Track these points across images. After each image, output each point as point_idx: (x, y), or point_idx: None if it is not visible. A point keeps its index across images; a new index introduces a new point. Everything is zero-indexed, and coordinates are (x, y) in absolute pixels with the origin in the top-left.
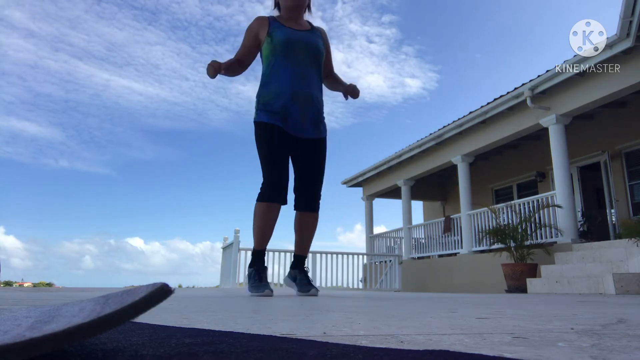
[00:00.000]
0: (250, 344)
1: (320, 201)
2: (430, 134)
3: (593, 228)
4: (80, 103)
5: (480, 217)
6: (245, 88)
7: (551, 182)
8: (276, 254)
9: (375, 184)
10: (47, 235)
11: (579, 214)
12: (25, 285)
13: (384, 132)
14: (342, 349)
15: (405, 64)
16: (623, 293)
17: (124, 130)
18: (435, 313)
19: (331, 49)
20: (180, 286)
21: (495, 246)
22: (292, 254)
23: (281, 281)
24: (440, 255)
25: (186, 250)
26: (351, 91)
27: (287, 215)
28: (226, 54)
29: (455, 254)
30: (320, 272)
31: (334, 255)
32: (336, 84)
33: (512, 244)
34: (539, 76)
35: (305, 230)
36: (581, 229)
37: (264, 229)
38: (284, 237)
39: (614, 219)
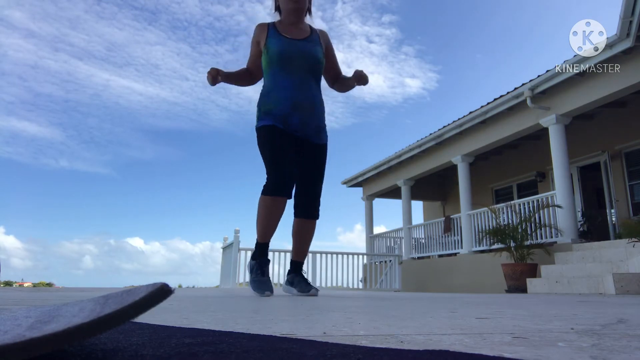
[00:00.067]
0: (251, 344)
1: (320, 208)
2: (430, 134)
3: (593, 228)
4: (80, 103)
5: (480, 217)
6: (245, 88)
7: (551, 182)
8: (276, 253)
9: (375, 184)
10: (47, 235)
11: (579, 214)
12: (25, 285)
13: (384, 132)
14: (342, 349)
15: (405, 64)
16: (623, 293)
17: (124, 130)
18: (435, 313)
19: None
20: (180, 286)
21: (495, 246)
22: (290, 259)
23: (281, 281)
24: (440, 255)
25: (186, 250)
26: (359, 79)
27: (286, 216)
28: (226, 54)
29: (455, 254)
30: (320, 272)
31: (334, 255)
32: (345, 85)
33: (512, 244)
34: (539, 76)
35: (302, 237)
36: (581, 229)
37: (267, 222)
38: (283, 237)
39: (614, 219)
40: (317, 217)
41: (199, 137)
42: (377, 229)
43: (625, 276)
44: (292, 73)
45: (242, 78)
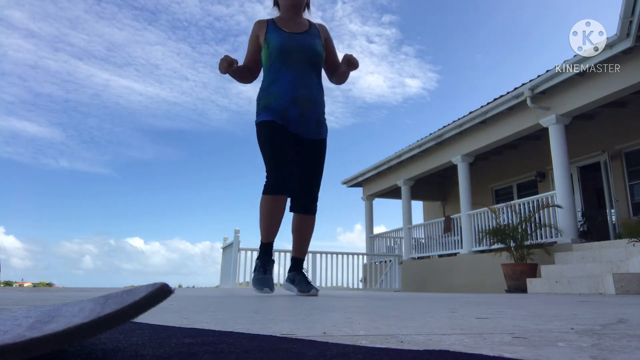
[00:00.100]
0: (251, 344)
1: (318, 204)
2: (430, 134)
3: (593, 228)
4: (80, 103)
5: (480, 217)
6: (245, 88)
7: (551, 182)
8: (275, 253)
9: (375, 184)
10: (47, 235)
11: (579, 214)
12: (25, 285)
13: (384, 132)
14: (342, 349)
15: (405, 64)
16: (623, 293)
17: (124, 130)
18: (435, 313)
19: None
20: (180, 286)
21: (495, 246)
22: (291, 256)
23: (282, 281)
24: (440, 255)
25: (186, 250)
26: (349, 63)
27: (286, 215)
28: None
29: (455, 254)
30: (320, 272)
31: (334, 255)
32: (340, 74)
33: (512, 244)
34: (539, 76)
35: (302, 233)
36: (581, 229)
37: (269, 221)
38: (283, 237)
39: (614, 219)
40: (314, 212)
41: (199, 137)
42: (377, 229)
43: (625, 276)
44: (292, 67)
45: (244, 75)
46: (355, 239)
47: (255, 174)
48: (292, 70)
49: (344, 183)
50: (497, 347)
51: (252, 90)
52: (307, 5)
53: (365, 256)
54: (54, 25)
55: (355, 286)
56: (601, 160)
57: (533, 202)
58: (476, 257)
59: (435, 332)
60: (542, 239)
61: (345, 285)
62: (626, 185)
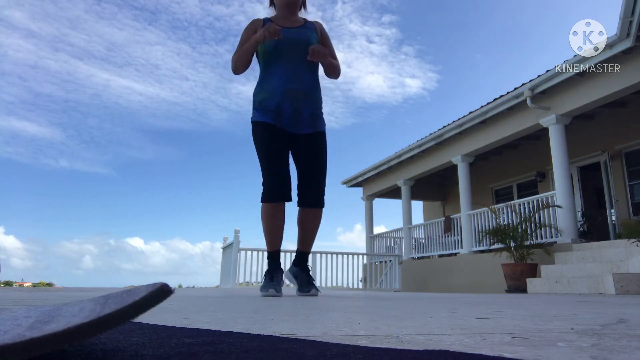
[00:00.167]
0: (251, 344)
1: (325, 197)
2: (430, 134)
3: (593, 228)
4: (80, 103)
5: (480, 217)
6: (245, 88)
7: (551, 182)
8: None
9: (375, 184)
10: (47, 235)
11: (579, 214)
12: (25, 285)
13: (384, 132)
14: (342, 349)
15: (405, 64)
16: (623, 293)
17: (124, 130)
18: (435, 313)
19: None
20: (180, 286)
21: (495, 246)
22: (295, 251)
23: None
24: (440, 255)
25: (186, 250)
26: (313, 54)
27: (290, 213)
28: (226, 54)
29: (455, 254)
30: (320, 272)
31: (334, 255)
32: (327, 69)
33: (512, 244)
34: (539, 76)
35: (307, 226)
36: (581, 229)
37: (271, 229)
38: (284, 237)
39: (614, 219)
40: (322, 206)
41: (199, 137)
42: (377, 229)
43: (625, 276)
44: (286, 61)
45: (249, 59)
46: (355, 239)
47: (255, 174)
48: (285, 65)
49: (344, 183)
50: (497, 347)
51: (252, 90)
52: (304, 5)
53: (365, 256)
54: (54, 25)
55: (355, 286)
56: (601, 160)
57: (533, 202)
58: (476, 257)
59: (435, 332)
60: (542, 239)
61: (345, 285)
62: (626, 185)
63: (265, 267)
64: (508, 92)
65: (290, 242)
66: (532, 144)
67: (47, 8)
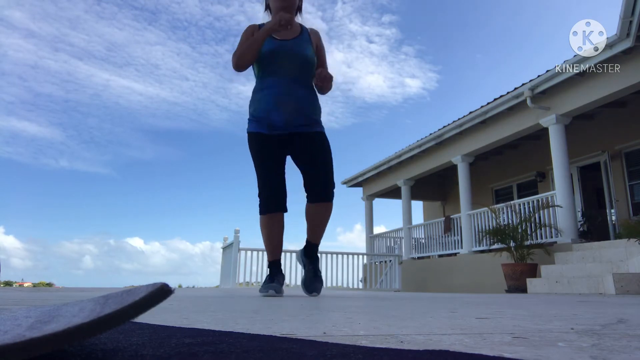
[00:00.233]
0: (251, 344)
1: (335, 190)
2: (430, 134)
3: (593, 228)
4: (80, 103)
5: (480, 217)
6: (245, 88)
7: (551, 182)
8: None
9: (375, 184)
10: (47, 235)
11: (579, 214)
12: (25, 285)
13: (384, 132)
14: (342, 349)
15: (405, 64)
16: (623, 293)
17: (124, 130)
18: (435, 313)
19: (331, 48)
20: (180, 286)
21: (495, 246)
22: (302, 247)
23: (290, 282)
24: (440, 255)
25: (186, 250)
26: (320, 80)
27: (296, 211)
28: (226, 54)
29: (455, 254)
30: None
31: (334, 255)
32: (321, 88)
33: (512, 244)
34: (539, 76)
35: (315, 219)
36: (581, 229)
37: (271, 241)
38: (286, 238)
39: (614, 219)
40: (330, 199)
41: (199, 137)
42: (377, 229)
43: (625, 276)
44: (279, 73)
45: (255, 54)
46: (355, 239)
47: (254, 177)
48: (278, 76)
49: (344, 183)
50: (497, 347)
51: (251, 89)
52: (299, 9)
53: (365, 256)
54: (54, 25)
55: (355, 286)
56: (601, 160)
57: (533, 202)
58: (476, 257)
59: (435, 332)
60: (542, 239)
61: (345, 285)
62: (626, 185)
63: (265, 267)
64: (508, 92)
65: (290, 242)
66: (532, 144)
67: (47, 8)
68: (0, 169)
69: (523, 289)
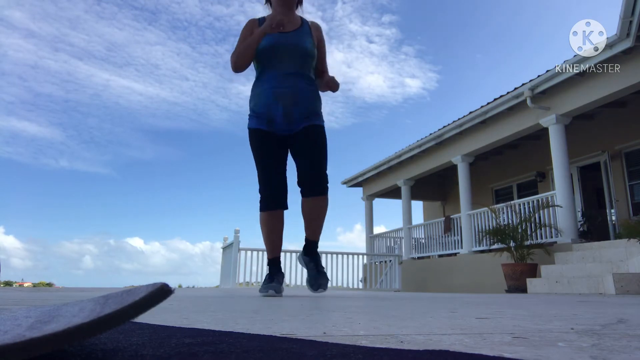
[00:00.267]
0: (251, 344)
1: (328, 185)
2: (430, 134)
3: (593, 228)
4: (80, 103)
5: (480, 217)
6: (245, 88)
7: (551, 182)
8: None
9: (375, 184)
10: (47, 235)
11: (579, 214)
12: (25, 285)
13: (384, 132)
14: (342, 349)
15: (405, 64)
16: (623, 293)
17: (124, 130)
18: (435, 313)
19: (331, 48)
20: (180, 286)
21: (495, 246)
22: (300, 249)
23: (290, 282)
24: (440, 255)
25: (186, 250)
26: (329, 85)
27: (293, 209)
28: (226, 54)
29: (455, 254)
30: None
31: (334, 255)
32: (321, 85)
33: (512, 244)
34: (539, 76)
35: (310, 214)
36: (581, 229)
37: (271, 238)
38: (286, 238)
39: (614, 219)
40: (324, 193)
41: (199, 137)
42: (377, 229)
43: (625, 276)
44: (279, 66)
45: (253, 54)
46: (355, 239)
47: (255, 173)
48: (278, 69)
49: (344, 183)
50: (497, 347)
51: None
52: (300, 2)
53: (365, 256)
54: (54, 25)
55: (355, 286)
56: (601, 160)
57: (533, 202)
58: (476, 257)
59: (435, 332)
60: (542, 239)
61: (345, 285)
62: (626, 185)
63: (265, 268)
64: (508, 92)
65: (290, 242)
66: (532, 144)
67: (47, 8)
68: (0, 169)
69: (523, 289)
